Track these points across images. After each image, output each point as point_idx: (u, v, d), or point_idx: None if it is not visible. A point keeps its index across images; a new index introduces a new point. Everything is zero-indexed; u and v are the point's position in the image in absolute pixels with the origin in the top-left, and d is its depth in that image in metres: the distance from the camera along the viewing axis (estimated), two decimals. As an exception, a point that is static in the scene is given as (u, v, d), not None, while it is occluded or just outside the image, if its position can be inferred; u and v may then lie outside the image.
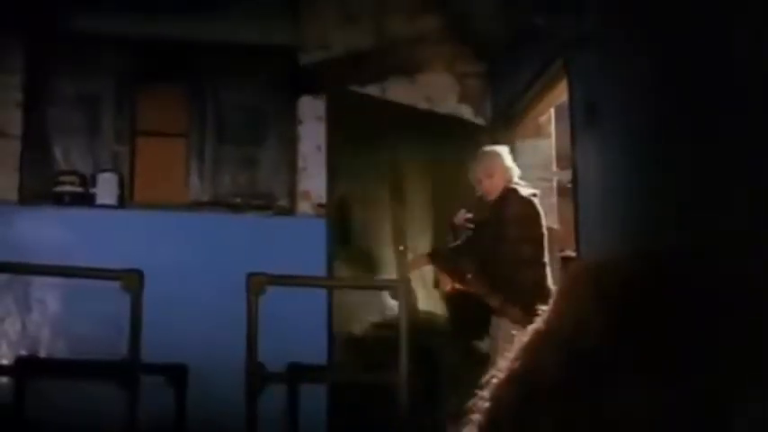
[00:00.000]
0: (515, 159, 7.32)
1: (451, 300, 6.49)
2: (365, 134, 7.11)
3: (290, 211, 7.24)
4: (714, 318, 3.61)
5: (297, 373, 5.71)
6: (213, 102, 7.55)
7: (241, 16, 7.53)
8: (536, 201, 5.91)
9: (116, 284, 5.09)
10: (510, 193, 5.92)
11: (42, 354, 6.53)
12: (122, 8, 7.37)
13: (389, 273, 6.96)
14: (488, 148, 6.24)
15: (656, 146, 4.59)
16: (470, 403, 4.59)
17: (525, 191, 5.93)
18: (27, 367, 5.20)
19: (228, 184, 7.42)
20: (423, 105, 7.65)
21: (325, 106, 7.35)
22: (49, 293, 6.65)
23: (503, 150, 6.15)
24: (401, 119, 7.31)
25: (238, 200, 7.36)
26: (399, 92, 7.64)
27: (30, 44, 7.33)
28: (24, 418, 4.96)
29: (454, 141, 7.30)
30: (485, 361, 5.57)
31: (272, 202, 7.31)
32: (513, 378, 4.25)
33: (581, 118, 5.60)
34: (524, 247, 5.82)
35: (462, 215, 6.14)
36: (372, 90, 7.61)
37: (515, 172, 6.03)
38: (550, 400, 3.77)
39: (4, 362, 6.34)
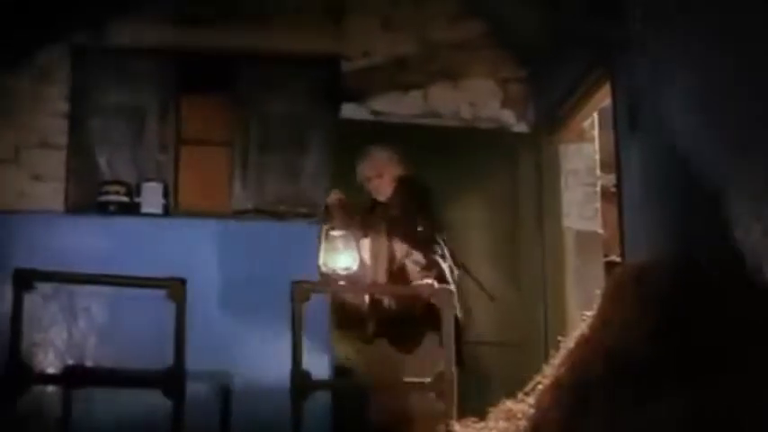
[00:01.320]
0: (559, 164, 7.33)
1: None
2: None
3: (333, 218, 7.22)
4: (756, 323, 3.58)
5: (341, 381, 5.71)
6: (256, 110, 7.58)
7: (283, 25, 7.56)
8: None
9: (161, 293, 5.12)
10: (408, 183, 6.00)
11: (89, 362, 6.56)
12: (165, 19, 7.42)
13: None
14: (375, 146, 6.16)
15: (701, 150, 4.54)
16: (516, 408, 4.58)
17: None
18: (74, 376, 5.24)
19: (272, 192, 7.44)
20: (466, 111, 7.63)
21: (335, 134, 7.39)
22: (94, 302, 6.67)
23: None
24: (416, 139, 7.24)
25: (282, 207, 7.36)
26: (442, 97, 7.64)
27: (74, 56, 7.39)
28: (71, 427, 5.00)
29: (475, 158, 7.23)
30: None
31: (316, 209, 7.30)
32: (558, 384, 4.24)
33: (624, 121, 5.56)
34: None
35: (336, 195, 6.02)
36: (414, 96, 7.61)
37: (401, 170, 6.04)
38: (597, 407, 3.75)
39: (51, 370, 6.38)
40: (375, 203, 6.08)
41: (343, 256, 5.63)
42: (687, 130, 4.69)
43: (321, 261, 5.64)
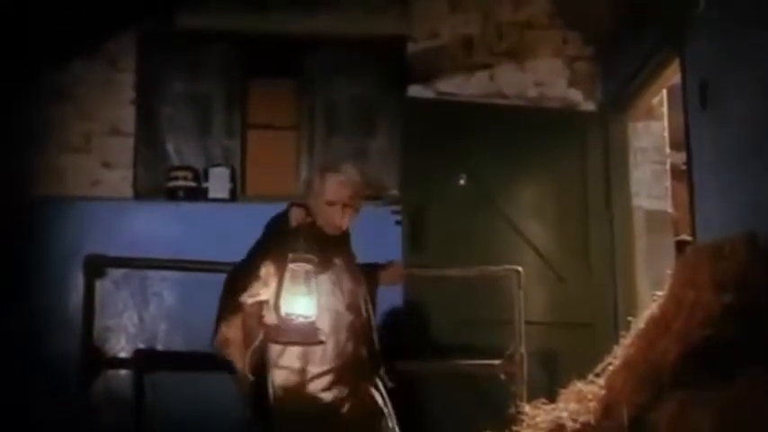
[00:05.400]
0: (628, 143, 7.26)
1: None
2: (443, 139, 7.03)
3: (400, 200, 7.20)
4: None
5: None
6: (322, 94, 7.59)
7: (349, 9, 7.55)
8: None
9: (230, 277, 5.14)
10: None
11: (160, 346, 6.63)
12: (231, 5, 7.45)
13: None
14: (347, 165, 4.84)
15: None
16: (586, 390, 4.54)
17: None
18: (145, 360, 5.29)
19: (339, 176, 7.44)
20: (532, 91, 7.58)
21: (402, 113, 7.27)
22: (165, 287, 6.75)
23: None
24: (483, 118, 7.19)
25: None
26: (508, 78, 7.59)
27: (141, 43, 7.45)
28: (143, 409, 5.05)
29: (543, 138, 7.16)
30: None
31: (383, 191, 7.29)
32: (628, 365, 4.20)
33: (694, 99, 5.48)
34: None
35: (300, 211, 4.55)
36: (481, 77, 7.58)
37: None
38: (670, 388, 3.71)
39: (123, 355, 6.45)
40: (324, 236, 4.59)
41: (305, 300, 4.20)
42: (759, 108, 4.62)
43: (281, 302, 4.22)
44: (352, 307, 4.53)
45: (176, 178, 7.13)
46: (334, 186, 4.55)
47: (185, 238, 6.56)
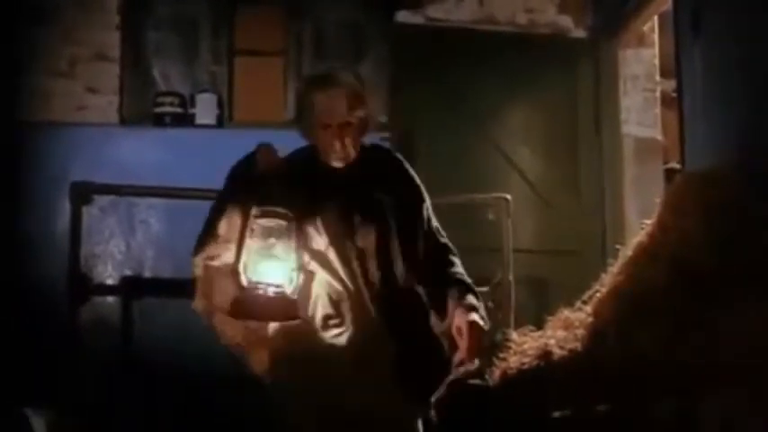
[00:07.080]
0: (618, 70, 7.22)
1: None
2: (432, 64, 6.98)
3: (388, 126, 7.17)
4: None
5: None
6: (310, 19, 7.52)
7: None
8: None
9: (217, 204, 5.12)
10: (387, 153, 3.98)
11: (147, 273, 6.62)
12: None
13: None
14: (341, 71, 3.77)
15: (765, 56, 4.44)
16: (573, 317, 4.55)
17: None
18: (132, 287, 5.29)
19: (327, 102, 7.40)
20: (522, 17, 7.52)
21: (391, 39, 7.25)
22: (152, 214, 6.72)
23: None
24: (473, 44, 7.14)
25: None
26: (498, 3, 7.52)
27: (125, -34, 7.37)
28: (130, 336, 5.06)
29: (532, 64, 7.12)
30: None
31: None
32: (616, 293, 4.20)
33: (686, 26, 5.43)
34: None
35: (267, 151, 3.68)
36: (470, 2, 7.50)
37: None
38: (658, 315, 3.71)
39: (110, 282, 6.44)
40: (325, 170, 3.68)
41: (277, 266, 3.36)
42: (751, 36, 4.58)
43: (241, 267, 3.35)
44: (360, 267, 3.57)
45: (163, 104, 7.08)
46: (325, 103, 3.56)
47: (172, 165, 6.52)
